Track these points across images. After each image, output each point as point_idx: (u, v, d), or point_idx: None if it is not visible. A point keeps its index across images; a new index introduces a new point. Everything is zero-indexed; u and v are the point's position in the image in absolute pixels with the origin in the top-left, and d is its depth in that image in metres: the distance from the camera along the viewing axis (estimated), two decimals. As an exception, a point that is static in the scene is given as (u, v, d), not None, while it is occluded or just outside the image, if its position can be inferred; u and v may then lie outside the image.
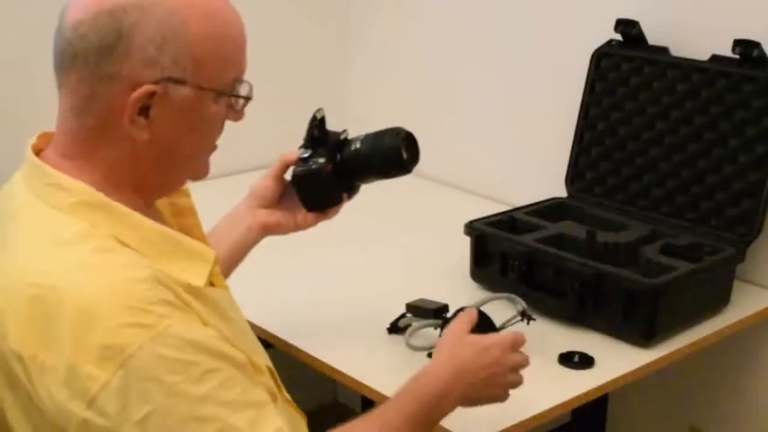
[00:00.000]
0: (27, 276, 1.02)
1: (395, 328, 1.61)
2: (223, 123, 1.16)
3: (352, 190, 1.49)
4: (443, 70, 2.48)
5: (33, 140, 1.14)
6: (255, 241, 1.50)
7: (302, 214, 1.49)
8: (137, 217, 1.08)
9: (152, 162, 1.11)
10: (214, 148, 1.19)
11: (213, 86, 1.10)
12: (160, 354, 0.96)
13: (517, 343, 1.32)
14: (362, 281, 1.88)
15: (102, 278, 1.00)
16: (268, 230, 1.50)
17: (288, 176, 1.51)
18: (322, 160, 1.44)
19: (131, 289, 0.99)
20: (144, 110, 1.07)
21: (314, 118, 1.47)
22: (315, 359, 1.56)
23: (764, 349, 1.95)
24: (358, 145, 1.45)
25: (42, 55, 1.14)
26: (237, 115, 1.17)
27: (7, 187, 1.15)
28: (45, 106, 1.19)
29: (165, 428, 0.96)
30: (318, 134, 1.46)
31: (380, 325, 1.64)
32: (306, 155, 1.46)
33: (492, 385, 1.29)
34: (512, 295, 1.60)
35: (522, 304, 1.57)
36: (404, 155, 1.43)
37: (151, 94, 1.06)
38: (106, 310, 0.97)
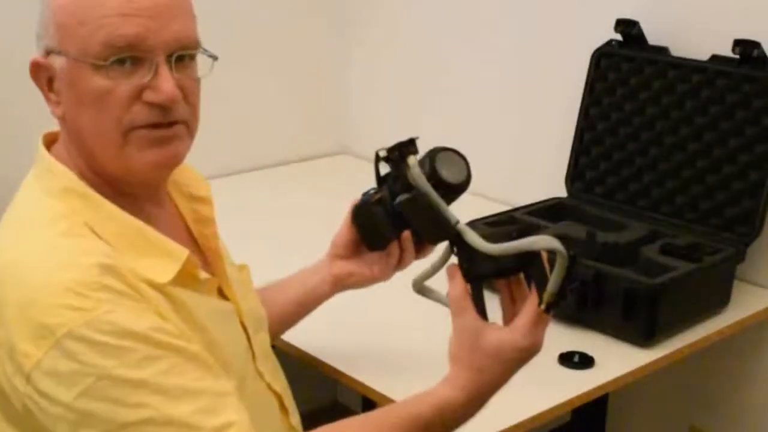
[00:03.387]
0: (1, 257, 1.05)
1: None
2: (131, 99, 1.05)
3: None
4: (442, 70, 2.47)
5: (45, 134, 1.15)
6: (327, 294, 1.43)
7: (380, 266, 1.40)
8: (113, 210, 1.08)
9: (81, 143, 1.09)
10: (125, 128, 1.06)
11: (83, 56, 1.04)
12: (92, 338, 0.96)
13: (540, 322, 1.10)
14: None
15: (53, 259, 1.01)
16: (340, 281, 1.41)
17: None
18: (372, 191, 1.36)
19: (77, 273, 0.99)
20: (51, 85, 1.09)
21: (377, 156, 1.28)
22: (315, 359, 1.56)
23: (764, 349, 1.95)
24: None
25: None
26: (154, 94, 1.05)
27: None
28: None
29: (93, 412, 0.96)
30: (384, 174, 1.31)
31: (381, 325, 1.64)
32: (366, 191, 1.38)
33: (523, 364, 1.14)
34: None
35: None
36: (445, 176, 1.21)
37: (38, 66, 1.08)
38: (46, 289, 0.98)
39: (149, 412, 0.96)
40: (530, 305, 1.10)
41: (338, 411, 2.55)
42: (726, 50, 1.84)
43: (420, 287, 1.24)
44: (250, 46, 2.40)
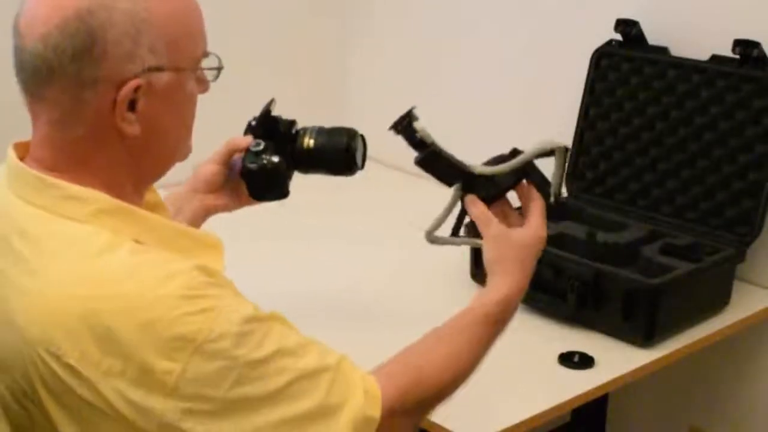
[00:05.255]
0: (73, 292, 1.01)
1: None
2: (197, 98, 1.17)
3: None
4: (442, 70, 2.47)
5: (12, 152, 1.12)
6: (199, 225, 1.50)
7: (246, 195, 1.51)
8: (153, 217, 1.11)
9: (148, 153, 1.12)
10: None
11: (188, 64, 1.12)
12: (226, 332, 1.00)
13: (544, 217, 1.34)
14: (361, 281, 1.87)
15: (151, 276, 1.01)
16: (211, 212, 1.52)
17: (236, 161, 1.49)
18: (276, 159, 1.44)
19: (182, 280, 1.01)
20: (131, 105, 1.07)
21: (266, 107, 1.48)
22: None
23: (764, 350, 1.95)
24: (311, 143, 1.47)
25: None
26: (206, 86, 1.18)
27: None
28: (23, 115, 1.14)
29: (247, 395, 1.01)
30: (267, 124, 1.48)
31: (380, 325, 1.63)
32: (258, 149, 1.45)
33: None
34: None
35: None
36: (358, 159, 1.45)
37: (137, 88, 1.06)
38: (165, 304, 0.99)
39: (290, 373, 1.03)
40: (537, 203, 1.33)
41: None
42: (726, 50, 1.84)
43: (433, 237, 1.39)
44: (249, 47, 2.40)
